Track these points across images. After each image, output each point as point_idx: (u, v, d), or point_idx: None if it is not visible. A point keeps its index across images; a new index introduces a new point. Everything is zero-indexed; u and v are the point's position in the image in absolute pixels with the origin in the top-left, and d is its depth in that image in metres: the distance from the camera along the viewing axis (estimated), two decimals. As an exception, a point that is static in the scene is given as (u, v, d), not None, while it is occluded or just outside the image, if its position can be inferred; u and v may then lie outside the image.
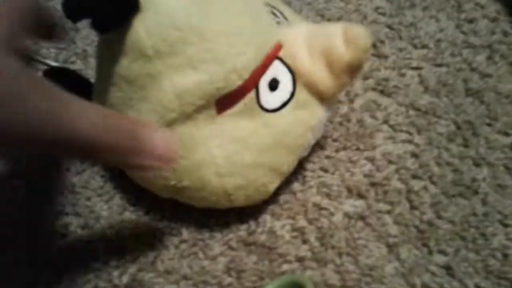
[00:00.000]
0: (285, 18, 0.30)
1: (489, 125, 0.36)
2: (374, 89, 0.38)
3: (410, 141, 0.35)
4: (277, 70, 0.27)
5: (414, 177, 0.33)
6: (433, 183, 0.33)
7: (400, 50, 0.41)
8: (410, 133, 0.35)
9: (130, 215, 0.31)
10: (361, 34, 0.26)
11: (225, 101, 0.26)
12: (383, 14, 0.43)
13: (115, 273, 0.29)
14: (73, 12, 0.22)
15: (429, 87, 0.38)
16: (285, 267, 0.30)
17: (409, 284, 0.29)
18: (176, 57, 0.24)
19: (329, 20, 0.43)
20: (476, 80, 0.39)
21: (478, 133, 0.36)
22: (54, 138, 0.19)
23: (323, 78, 0.27)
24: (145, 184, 0.29)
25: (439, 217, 0.31)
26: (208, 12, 0.25)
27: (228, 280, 0.29)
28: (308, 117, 0.28)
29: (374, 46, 0.41)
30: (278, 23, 0.28)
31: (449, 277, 0.29)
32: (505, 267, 0.29)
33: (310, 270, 0.29)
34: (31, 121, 0.18)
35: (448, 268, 0.29)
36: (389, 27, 0.43)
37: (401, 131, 0.36)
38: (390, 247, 0.30)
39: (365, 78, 0.39)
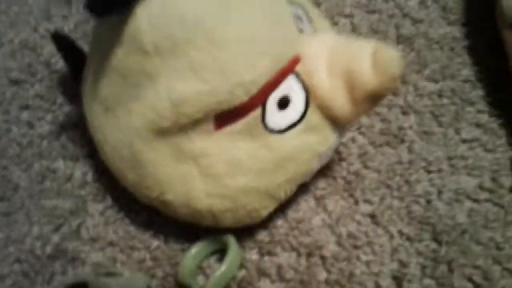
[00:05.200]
0: (311, 20, 0.27)
1: (418, 72, 0.36)
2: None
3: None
4: (290, 86, 0.23)
5: (343, 128, 0.33)
6: (361, 133, 0.33)
7: (333, -4, 0.40)
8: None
9: (50, 183, 0.30)
10: (393, 59, 0.23)
11: (225, 117, 0.23)
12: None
13: (37, 244, 0.28)
14: None
15: (361, 34, 0.38)
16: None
17: (335, 234, 0.29)
18: (178, 59, 0.22)
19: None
20: (407, 26, 0.38)
21: (407, 81, 0.36)
22: None
23: (341, 103, 0.24)
24: (130, 191, 0.27)
25: (366, 167, 0.32)
26: (224, 13, 0.22)
27: (155, 243, 0.28)
28: (316, 143, 0.25)
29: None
30: (301, 30, 0.25)
31: (374, 225, 0.30)
32: (427, 212, 0.30)
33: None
34: None
35: (373, 217, 0.30)
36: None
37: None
38: (318, 199, 0.30)
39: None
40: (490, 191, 0.31)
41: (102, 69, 0.23)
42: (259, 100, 0.23)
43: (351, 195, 0.31)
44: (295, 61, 0.23)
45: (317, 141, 0.25)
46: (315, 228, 0.29)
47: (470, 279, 0.28)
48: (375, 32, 0.38)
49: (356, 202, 0.30)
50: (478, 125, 0.34)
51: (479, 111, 0.34)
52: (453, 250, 0.29)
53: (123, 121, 0.23)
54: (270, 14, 0.23)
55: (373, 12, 0.39)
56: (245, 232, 0.29)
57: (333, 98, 0.24)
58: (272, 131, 0.24)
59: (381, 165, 0.32)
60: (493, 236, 0.30)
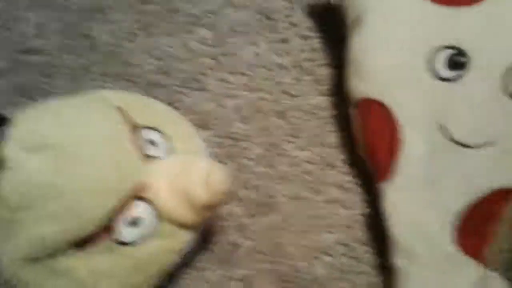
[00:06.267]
0: (168, 139, 0.33)
1: (292, 142, 0.43)
2: (194, 123, 0.43)
3: (223, 170, 0.41)
4: (139, 208, 0.30)
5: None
6: (238, 206, 0.39)
7: (221, 80, 0.46)
8: (225, 163, 0.41)
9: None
10: (220, 179, 0.30)
11: (84, 242, 0.29)
12: (207, 44, 0.48)
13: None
14: None
15: (243, 114, 0.44)
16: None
17: (213, 301, 0.36)
18: (35, 210, 0.28)
19: (159, 59, 0.47)
20: (284, 101, 0.45)
21: (281, 153, 0.42)
22: None
23: (184, 214, 0.30)
24: None
25: (242, 236, 0.38)
26: (71, 170, 0.28)
27: None
28: (172, 245, 0.32)
29: (197, 80, 0.46)
30: (149, 156, 0.31)
31: (246, 289, 0.36)
32: (291, 271, 0.37)
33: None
34: None
35: (245, 281, 0.36)
36: (213, 58, 0.48)
37: (218, 162, 0.42)
38: (199, 271, 0.37)
39: (188, 113, 0.44)
40: (346, 245, 0.38)
41: None
42: (109, 227, 0.29)
43: (228, 264, 0.37)
44: (140, 188, 0.30)
45: (172, 243, 0.31)
46: (195, 297, 0.36)
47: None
48: (258, 111, 0.44)
49: (232, 270, 0.37)
50: (338, 186, 0.40)
51: (341, 173, 0.41)
52: (310, 302, 0.36)
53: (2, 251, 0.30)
54: (111, 156, 0.29)
55: (254, 91, 0.45)
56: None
57: (177, 212, 0.30)
58: (127, 244, 0.30)
59: (255, 233, 0.38)
60: (344, 285, 0.36)
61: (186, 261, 0.36)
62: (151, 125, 0.33)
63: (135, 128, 0.32)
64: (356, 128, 0.38)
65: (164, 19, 0.50)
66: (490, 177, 0.32)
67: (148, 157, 0.31)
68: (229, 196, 0.31)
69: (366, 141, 0.37)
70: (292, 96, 0.45)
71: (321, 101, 0.45)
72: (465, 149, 0.33)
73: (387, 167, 0.34)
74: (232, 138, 0.43)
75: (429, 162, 0.33)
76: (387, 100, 0.34)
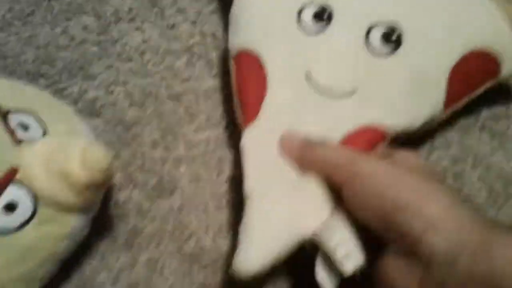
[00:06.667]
0: (42, 123, 0.31)
1: (188, 125, 0.42)
2: (82, 111, 0.41)
3: (115, 157, 0.39)
4: (13, 193, 0.27)
5: (120, 189, 0.38)
6: (137, 191, 0.38)
7: (108, 67, 0.44)
8: (117, 149, 0.40)
9: None
10: (99, 157, 0.28)
11: None
12: (91, 32, 0.46)
13: None
14: None
15: (134, 100, 0.43)
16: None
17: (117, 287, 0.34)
18: None
19: (38, 49, 0.44)
20: (177, 85, 0.44)
21: (178, 136, 0.41)
22: None
23: (65, 197, 0.28)
24: None
25: (143, 220, 0.37)
26: None
27: None
28: (58, 229, 0.29)
29: (82, 68, 0.44)
30: (21, 140, 0.29)
31: (148, 272, 0.35)
32: (196, 249, 0.36)
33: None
34: None
35: (151, 264, 0.35)
36: (97, 45, 0.46)
37: (111, 149, 0.40)
38: (101, 259, 0.35)
39: (75, 102, 0.42)
40: (248, 219, 0.38)
41: None
42: None
43: (131, 249, 0.36)
44: (11, 173, 0.28)
45: (55, 228, 0.29)
46: (99, 284, 0.34)
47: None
48: (147, 95, 0.43)
49: (136, 255, 0.36)
50: (237, 164, 0.41)
51: (239, 151, 0.41)
52: (218, 276, 0.36)
53: None
54: None
55: (145, 76, 0.44)
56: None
57: (55, 194, 0.28)
58: (4, 233, 0.28)
59: (156, 216, 0.37)
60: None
61: (86, 250, 0.34)
62: (22, 108, 0.31)
63: (4, 112, 0.30)
64: (232, 80, 0.39)
65: (42, 7, 0.47)
66: (349, 124, 0.34)
67: (20, 141, 0.29)
68: (112, 176, 0.30)
69: (237, 89, 0.38)
70: (184, 80, 0.45)
71: (215, 83, 0.45)
72: (328, 98, 0.35)
73: (253, 112, 0.35)
74: (124, 125, 0.41)
75: (294, 109, 0.34)
76: (257, 49, 0.36)
